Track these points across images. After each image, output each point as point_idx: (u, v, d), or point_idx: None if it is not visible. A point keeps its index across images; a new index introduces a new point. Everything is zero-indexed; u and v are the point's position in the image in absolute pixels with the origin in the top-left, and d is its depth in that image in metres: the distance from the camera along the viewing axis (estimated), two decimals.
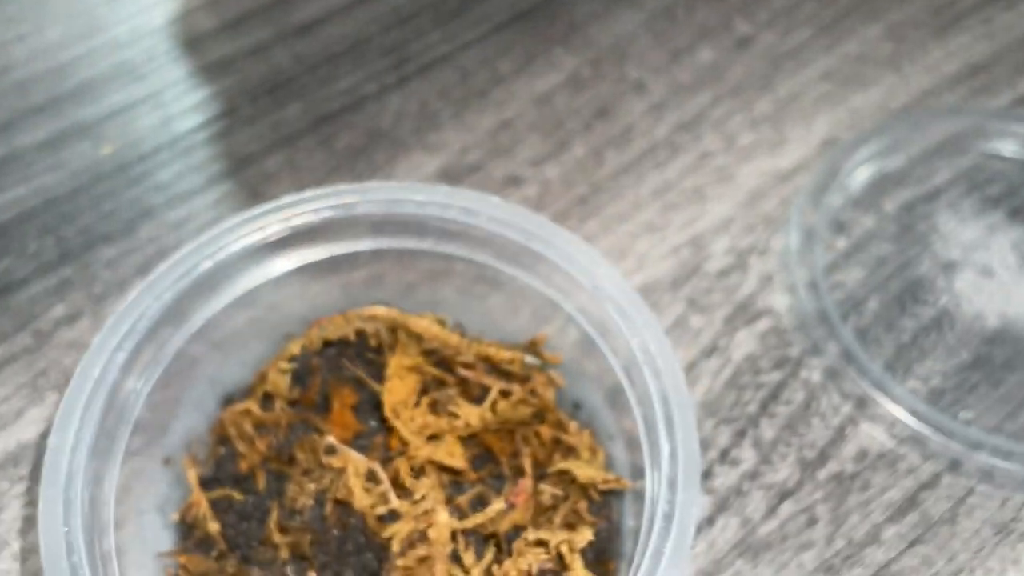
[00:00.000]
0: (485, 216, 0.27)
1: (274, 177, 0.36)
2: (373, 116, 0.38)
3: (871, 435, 0.30)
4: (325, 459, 0.26)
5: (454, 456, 0.25)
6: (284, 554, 0.25)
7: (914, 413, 0.30)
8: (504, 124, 0.37)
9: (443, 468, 0.26)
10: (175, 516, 0.26)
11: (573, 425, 0.27)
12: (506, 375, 0.28)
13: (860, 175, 0.36)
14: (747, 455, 0.30)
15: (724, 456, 0.30)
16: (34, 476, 0.29)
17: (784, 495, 0.29)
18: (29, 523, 0.29)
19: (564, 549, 0.24)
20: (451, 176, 0.36)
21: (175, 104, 0.38)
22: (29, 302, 0.33)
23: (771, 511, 0.29)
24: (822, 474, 0.30)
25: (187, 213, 0.35)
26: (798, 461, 0.30)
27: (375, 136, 0.37)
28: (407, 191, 0.27)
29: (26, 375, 0.31)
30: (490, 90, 0.38)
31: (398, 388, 0.26)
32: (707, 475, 0.30)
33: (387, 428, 0.27)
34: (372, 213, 0.27)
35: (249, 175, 0.36)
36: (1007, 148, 0.36)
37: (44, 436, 0.30)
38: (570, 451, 0.26)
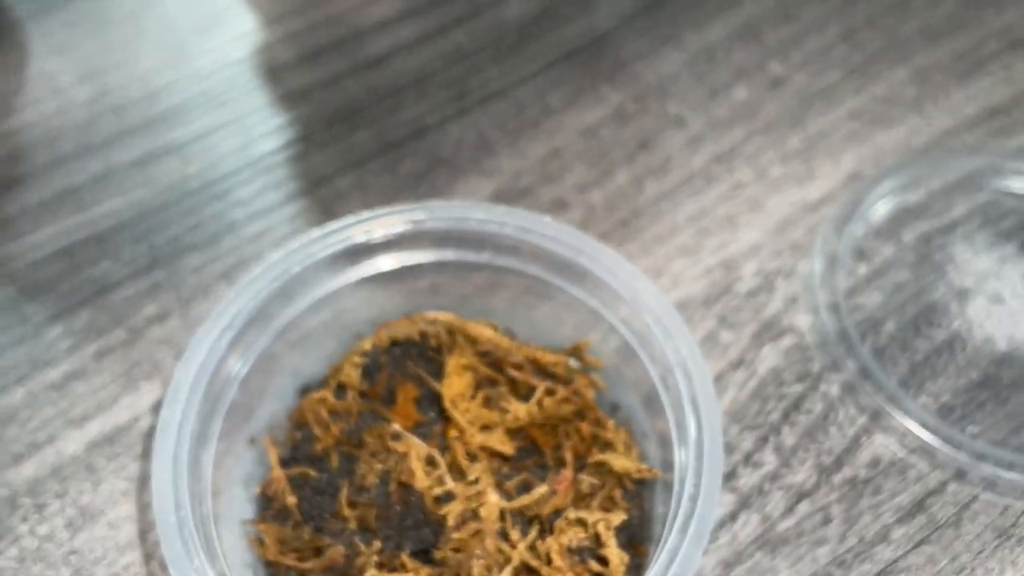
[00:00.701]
0: (537, 233, 0.30)
1: (344, 197, 0.40)
2: (435, 143, 0.41)
3: (884, 445, 0.33)
4: (390, 444, 0.29)
5: (504, 444, 0.28)
6: (352, 526, 0.28)
7: (924, 426, 0.32)
8: (554, 153, 0.41)
9: (493, 455, 0.29)
10: (257, 490, 0.29)
11: (611, 423, 0.30)
12: (551, 376, 0.31)
13: (882, 207, 0.39)
14: (769, 459, 0.33)
15: (747, 459, 0.33)
16: (127, 454, 0.33)
17: (802, 496, 0.32)
18: (123, 496, 0.32)
19: (601, 528, 0.27)
20: (504, 199, 0.39)
21: (256, 129, 0.42)
22: (124, 302, 0.37)
23: (789, 510, 0.32)
24: (837, 478, 0.33)
25: (265, 227, 0.39)
26: (815, 466, 0.33)
27: (436, 162, 0.41)
28: (469, 209, 0.31)
29: (121, 366, 0.35)
30: (541, 121, 0.42)
31: (456, 383, 0.29)
32: (731, 476, 0.33)
33: (444, 420, 0.30)
34: (436, 229, 0.31)
35: (322, 194, 0.40)
36: (1021, 186, 0.39)
37: (137, 420, 0.34)
38: (607, 446, 0.29)
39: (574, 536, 0.27)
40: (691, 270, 0.37)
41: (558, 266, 0.30)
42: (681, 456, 0.26)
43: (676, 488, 0.26)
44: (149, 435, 0.33)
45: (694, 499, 0.25)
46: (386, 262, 0.31)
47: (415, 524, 0.28)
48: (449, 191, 0.40)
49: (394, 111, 0.42)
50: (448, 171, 0.40)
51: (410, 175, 0.40)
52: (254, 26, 0.45)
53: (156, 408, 0.34)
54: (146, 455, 0.33)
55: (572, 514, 0.27)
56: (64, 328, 0.36)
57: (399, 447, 0.29)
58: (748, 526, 0.32)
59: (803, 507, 0.32)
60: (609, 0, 0.47)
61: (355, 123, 0.42)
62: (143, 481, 0.33)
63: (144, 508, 0.32)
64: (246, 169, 0.40)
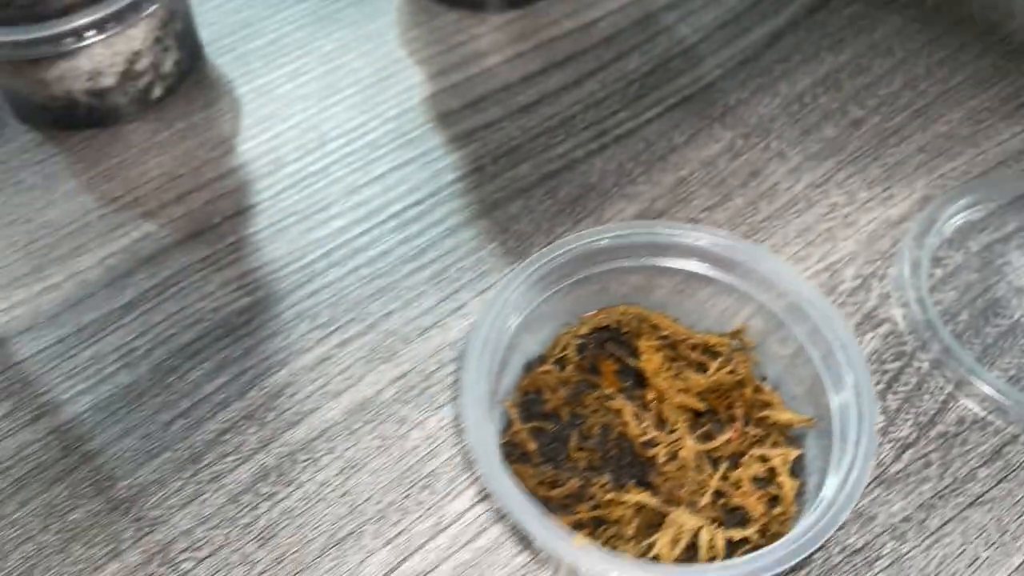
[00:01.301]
0: (689, 235, 0.40)
1: (515, 218, 0.49)
2: (583, 174, 0.51)
3: (967, 407, 0.43)
4: (606, 403, 0.38)
5: (696, 403, 0.38)
6: (582, 465, 0.37)
7: (999, 391, 0.42)
8: (681, 180, 0.50)
9: (684, 412, 0.38)
10: (504, 439, 0.38)
11: (767, 389, 0.40)
12: (717, 355, 0.40)
13: (951, 223, 0.48)
14: (878, 419, 0.42)
15: None
16: (376, 419, 0.42)
17: (906, 447, 0.42)
18: (378, 450, 0.41)
19: (778, 462, 0.36)
20: (645, 219, 0.49)
21: (437, 163, 0.51)
22: (356, 302, 0.46)
23: (897, 457, 0.41)
24: (932, 433, 0.42)
25: (457, 243, 0.48)
26: (915, 424, 0.42)
27: (587, 188, 0.50)
28: (641, 226, 0.40)
29: (361, 352, 0.44)
30: (668, 155, 0.51)
31: (653, 360, 0.39)
32: None
33: (640, 387, 0.39)
34: (623, 244, 0.40)
35: (498, 216, 0.49)
36: None
37: (380, 392, 0.43)
38: (767, 405, 0.39)
39: (757, 469, 0.36)
40: (803, 275, 0.47)
41: (713, 261, 0.40)
42: (837, 401, 0.36)
43: (837, 430, 0.35)
44: (391, 404, 0.43)
45: (858, 442, 0.34)
46: (588, 270, 0.40)
47: (630, 464, 0.37)
48: (599, 213, 0.49)
49: (547, 148, 0.52)
50: (597, 196, 0.50)
51: (567, 199, 0.50)
52: (422, 79, 0.55)
53: (394, 382, 0.43)
54: (390, 420, 0.42)
55: (756, 452, 0.36)
56: (310, 323, 0.45)
57: (613, 406, 0.38)
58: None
59: (907, 455, 0.41)
60: (711, 55, 0.56)
61: (516, 158, 0.51)
62: (393, 440, 0.42)
63: (397, 459, 0.41)
64: (435, 195, 0.50)
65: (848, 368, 0.36)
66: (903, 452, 0.41)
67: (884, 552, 0.39)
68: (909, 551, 0.39)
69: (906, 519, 0.40)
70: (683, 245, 0.40)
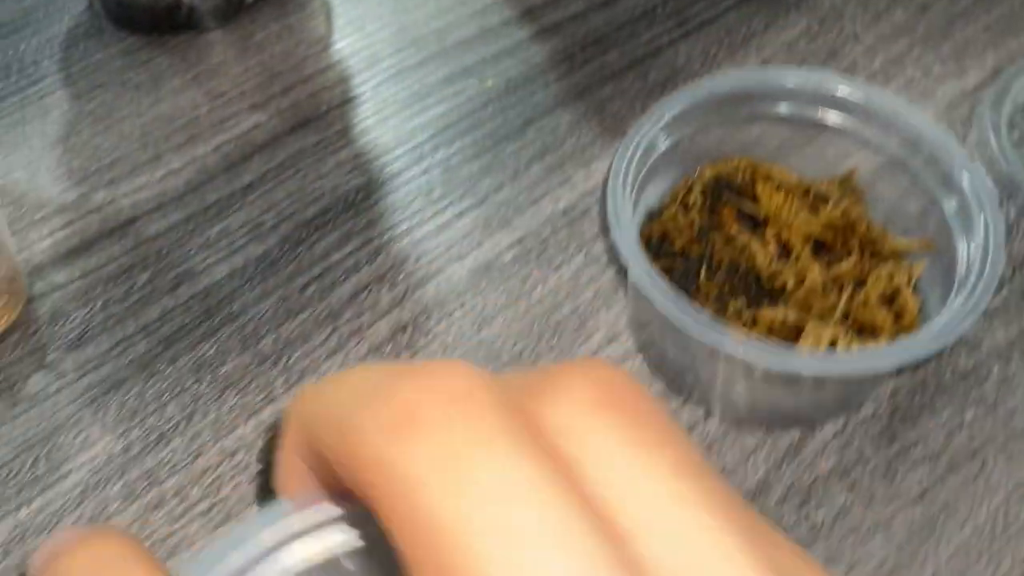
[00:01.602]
0: (792, 77, 0.42)
1: (609, 100, 0.51)
2: (670, 59, 0.53)
3: None
4: (732, 242, 0.40)
5: (821, 231, 0.40)
6: (713, 294, 0.39)
7: None
8: (764, 61, 0.53)
9: (808, 242, 0.40)
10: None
11: (877, 227, 0.42)
12: (826, 200, 0.43)
13: (1022, 92, 0.51)
14: None
15: None
16: (499, 278, 0.44)
17: (1003, 283, 0.44)
18: (505, 306, 0.43)
19: (903, 278, 0.38)
20: None
21: (528, 52, 0.53)
22: (465, 180, 0.48)
23: (996, 293, 0.44)
24: None
25: (557, 123, 0.50)
26: (1010, 263, 0.45)
27: (674, 72, 0.52)
28: (756, 71, 0.42)
29: (476, 222, 0.46)
30: (749, 40, 0.54)
31: (773, 198, 0.41)
32: None
33: (758, 226, 0.41)
34: (737, 91, 0.42)
35: (591, 99, 0.51)
36: None
37: (499, 255, 0.45)
38: (881, 238, 0.41)
39: (883, 286, 0.38)
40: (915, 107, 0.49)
41: (821, 102, 0.42)
42: (957, 211, 0.38)
43: (962, 247, 0.37)
44: (512, 264, 0.45)
45: (985, 252, 0.36)
46: (695, 124, 0.43)
47: (759, 293, 0.40)
48: None
49: (632, 37, 0.54)
50: (685, 79, 0.52)
51: (657, 82, 0.52)
52: None
53: (512, 247, 0.45)
54: (514, 279, 0.44)
55: (883, 271, 0.39)
56: (425, 198, 0.47)
57: (739, 240, 0.40)
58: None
59: (1005, 290, 0.44)
60: None
61: (604, 46, 0.54)
62: (518, 295, 0.44)
63: (524, 312, 0.43)
64: (530, 83, 0.52)
65: (970, 182, 0.38)
66: (1001, 288, 0.44)
67: (992, 372, 0.42)
68: (1015, 372, 0.42)
69: (1010, 344, 0.42)
70: (793, 89, 0.42)
